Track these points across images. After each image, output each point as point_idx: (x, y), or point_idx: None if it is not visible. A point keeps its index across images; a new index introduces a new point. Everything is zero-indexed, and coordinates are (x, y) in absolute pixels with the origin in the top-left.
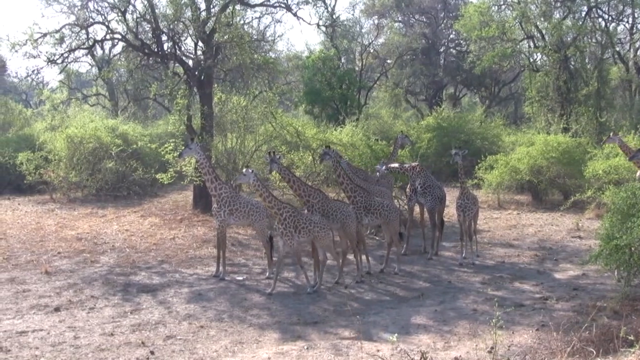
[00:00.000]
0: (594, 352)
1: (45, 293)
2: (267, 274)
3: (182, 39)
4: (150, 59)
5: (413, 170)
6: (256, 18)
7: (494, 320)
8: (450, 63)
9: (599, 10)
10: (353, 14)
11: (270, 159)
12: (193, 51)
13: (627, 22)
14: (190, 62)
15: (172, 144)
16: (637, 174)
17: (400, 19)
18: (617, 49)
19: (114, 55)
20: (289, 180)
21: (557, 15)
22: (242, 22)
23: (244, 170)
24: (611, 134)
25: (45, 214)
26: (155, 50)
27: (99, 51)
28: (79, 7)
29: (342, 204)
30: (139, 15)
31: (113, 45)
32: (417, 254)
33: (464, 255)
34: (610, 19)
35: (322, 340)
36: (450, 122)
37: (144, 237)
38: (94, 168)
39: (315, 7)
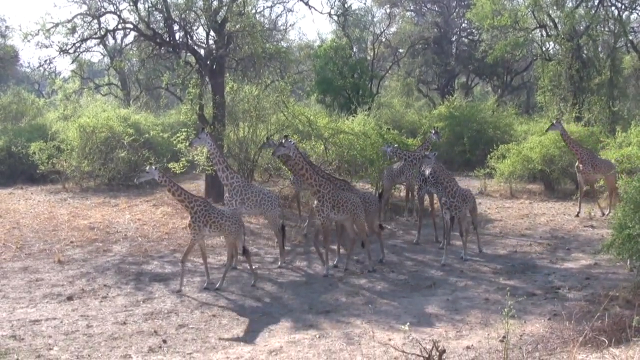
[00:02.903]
0: (606, 342)
1: (58, 282)
2: (279, 263)
3: (194, 28)
4: (162, 48)
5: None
6: (268, 7)
7: (505, 310)
8: (462, 52)
9: None
10: (365, 3)
11: (279, 143)
12: (205, 40)
13: None
14: (202, 52)
15: (184, 134)
16: (576, 164)
17: (412, 7)
18: (630, 37)
19: (126, 45)
20: (300, 168)
21: (570, 4)
22: (253, 11)
23: (147, 168)
24: (554, 122)
25: (58, 204)
26: (167, 39)
27: (111, 41)
28: None
29: (351, 195)
30: (150, 5)
31: (125, 35)
32: (429, 243)
33: (479, 248)
34: (623, 7)
35: (334, 329)
36: (463, 111)
37: (156, 226)
38: (106, 157)
39: None
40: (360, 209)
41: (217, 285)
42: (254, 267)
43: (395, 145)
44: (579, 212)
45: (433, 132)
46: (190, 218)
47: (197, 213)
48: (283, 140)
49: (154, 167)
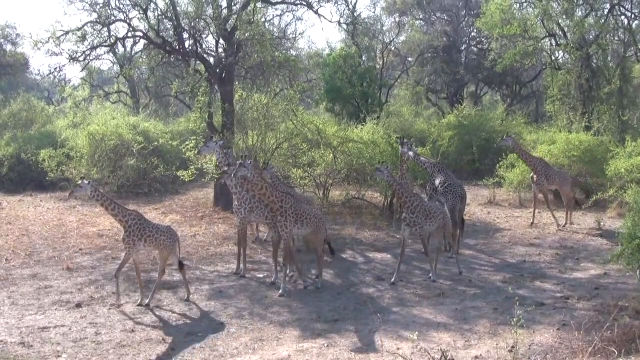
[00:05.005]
0: (616, 352)
1: (67, 289)
2: (287, 271)
3: (204, 36)
4: (172, 56)
5: (434, 167)
6: (277, 16)
7: (514, 319)
8: (471, 61)
9: (621, 8)
10: (374, 12)
11: (239, 164)
12: (214, 49)
13: None
14: (212, 60)
15: (193, 142)
16: (531, 175)
17: (421, 16)
18: None
19: (136, 53)
20: (261, 187)
21: (580, 13)
22: (263, 19)
23: (80, 181)
24: (504, 136)
25: (67, 211)
26: (177, 48)
27: (120, 49)
28: (101, 5)
29: (315, 209)
30: (160, 13)
31: (135, 43)
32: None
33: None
34: (633, 16)
35: (343, 339)
36: (472, 120)
37: None
38: (115, 165)
39: (336, 4)
40: (322, 222)
41: (147, 301)
42: (262, 276)
43: (416, 149)
44: (532, 222)
45: (405, 142)
46: (125, 233)
47: (132, 228)
48: (241, 161)
49: (86, 181)
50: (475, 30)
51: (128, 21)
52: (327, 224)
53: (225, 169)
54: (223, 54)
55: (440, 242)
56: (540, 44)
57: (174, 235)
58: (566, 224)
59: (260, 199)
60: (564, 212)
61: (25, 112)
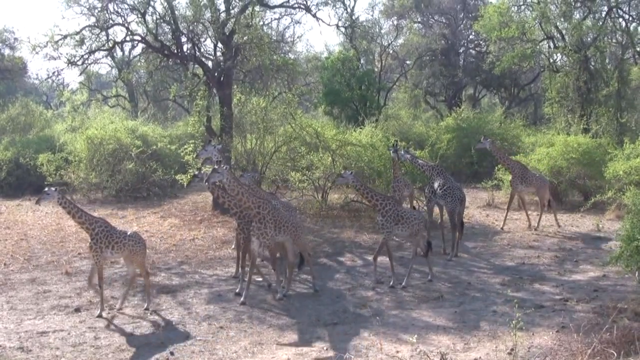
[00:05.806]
0: (615, 354)
1: (66, 294)
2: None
3: (202, 40)
4: (170, 60)
5: (432, 170)
6: (275, 19)
7: (513, 322)
8: (469, 64)
9: (619, 10)
10: (372, 15)
11: (212, 169)
12: (212, 52)
13: None
14: (210, 64)
15: (191, 145)
16: (510, 178)
17: (419, 19)
18: (638, 49)
19: (134, 57)
20: (237, 192)
21: (577, 16)
22: (261, 23)
23: (46, 189)
24: (482, 139)
25: (66, 215)
26: (175, 51)
27: (118, 53)
28: (99, 9)
29: (292, 214)
30: (158, 17)
31: (133, 47)
32: (436, 255)
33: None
34: (630, 19)
35: (342, 342)
36: (470, 123)
37: (164, 238)
38: (114, 169)
39: (334, 8)
40: (301, 228)
41: (146, 305)
42: (261, 280)
43: (415, 153)
44: (530, 224)
45: (397, 146)
46: (91, 240)
47: (98, 235)
48: (216, 167)
49: (53, 188)
50: (473, 33)
51: (126, 25)
52: (326, 227)
53: (197, 172)
54: (221, 58)
55: (420, 246)
56: (538, 47)
57: (141, 240)
58: (537, 226)
59: (235, 206)
60: (563, 215)
61: (24, 116)
